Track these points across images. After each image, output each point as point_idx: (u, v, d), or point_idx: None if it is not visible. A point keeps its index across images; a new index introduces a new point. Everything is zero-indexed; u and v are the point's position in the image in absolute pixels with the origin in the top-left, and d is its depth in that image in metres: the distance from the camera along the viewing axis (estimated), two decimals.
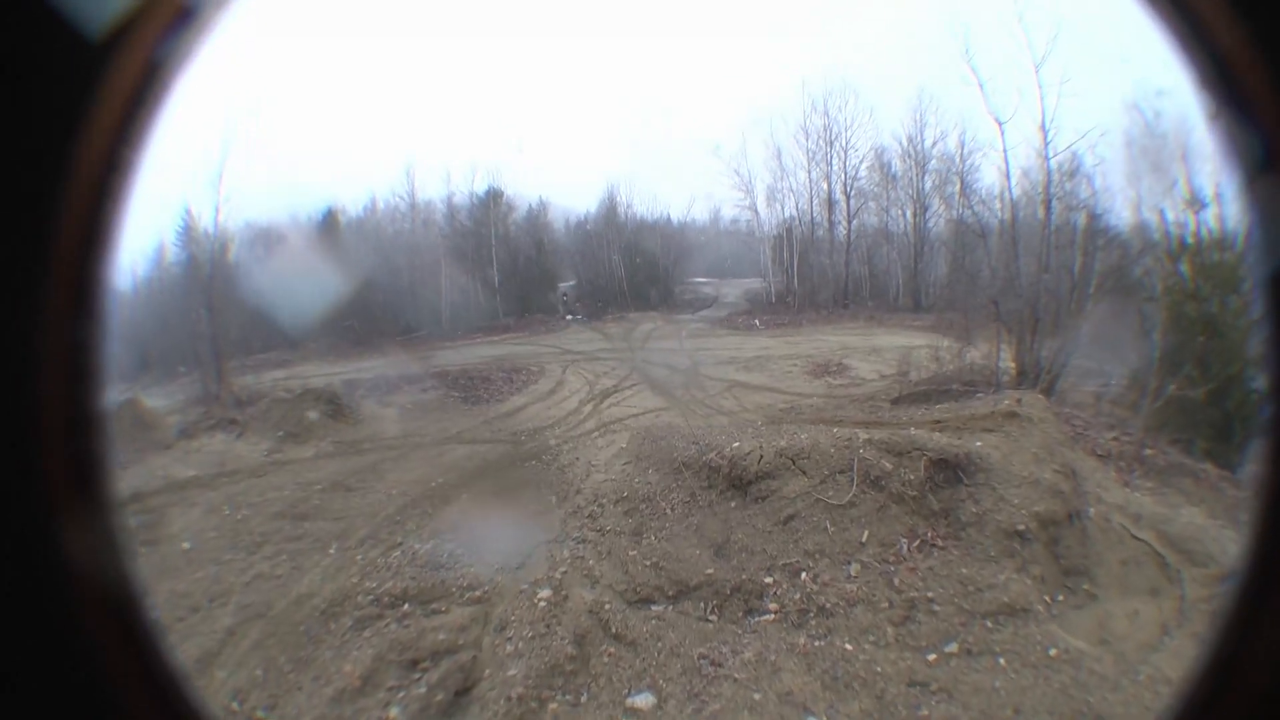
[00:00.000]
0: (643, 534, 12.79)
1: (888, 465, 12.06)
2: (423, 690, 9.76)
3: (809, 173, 41.03)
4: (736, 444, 13.91)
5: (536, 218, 43.02)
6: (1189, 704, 1.31)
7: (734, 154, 49.16)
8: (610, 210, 43.49)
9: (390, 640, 10.75)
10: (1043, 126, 23.13)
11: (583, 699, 9.47)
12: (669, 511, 13.27)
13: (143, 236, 29.07)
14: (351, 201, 40.33)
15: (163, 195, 26.81)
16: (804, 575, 11.05)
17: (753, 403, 22.16)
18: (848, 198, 40.88)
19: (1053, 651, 9.60)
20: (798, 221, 41.46)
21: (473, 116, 60.59)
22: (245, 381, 26.64)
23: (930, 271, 39.80)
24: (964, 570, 10.64)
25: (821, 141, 40.52)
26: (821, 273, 40.70)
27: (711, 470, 13.60)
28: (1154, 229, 19.89)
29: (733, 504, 12.81)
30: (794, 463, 12.62)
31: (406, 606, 11.59)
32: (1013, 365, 20.66)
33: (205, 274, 29.09)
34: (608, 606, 10.92)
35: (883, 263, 40.89)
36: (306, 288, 30.68)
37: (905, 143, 39.54)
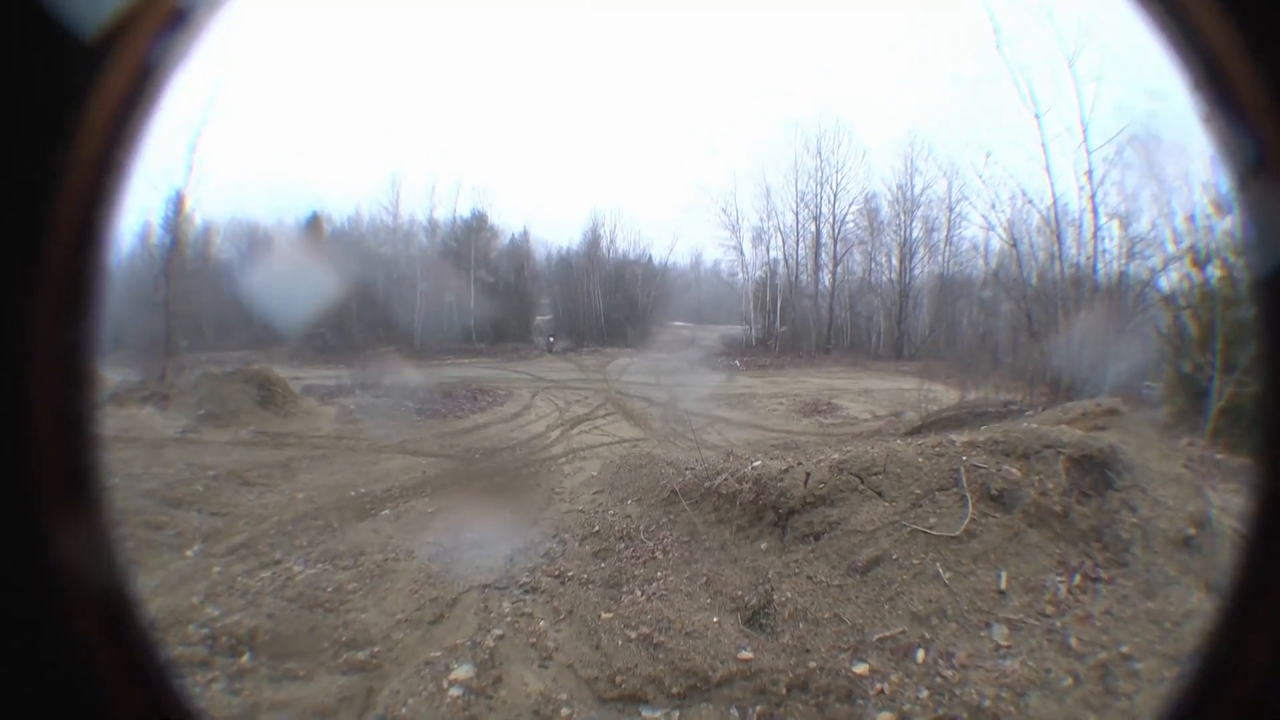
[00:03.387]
0: (622, 586, 7.83)
1: (1014, 472, 7.26)
2: None
3: (797, 214, 37.45)
4: (758, 462, 9.16)
5: (518, 246, 39.22)
6: (1181, 705, 1.18)
7: (724, 193, 46.63)
8: (593, 243, 39.81)
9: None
10: (1081, 120, 20.70)
11: None
12: (659, 555, 8.36)
13: (130, 213, 26.38)
14: (338, 208, 37.87)
15: (152, 176, 25.22)
16: (921, 654, 6.00)
17: (740, 439, 17.67)
18: (835, 241, 37.20)
19: None
20: (783, 264, 37.85)
21: (464, 137, 58.26)
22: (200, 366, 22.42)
23: (914, 319, 36.26)
24: (1150, 604, 6.21)
25: (813, 183, 37.16)
26: (803, 317, 36.93)
27: (722, 499, 8.68)
28: (1181, 236, 18.07)
29: (763, 545, 7.81)
30: (862, 480, 7.69)
31: (247, 659, 6.60)
32: (1044, 387, 17.90)
33: (168, 245, 27.57)
34: (566, 711, 5.82)
35: (865, 310, 37.22)
36: (282, 290, 29.96)
37: (895, 189, 36.34)
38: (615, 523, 9.60)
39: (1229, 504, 8.03)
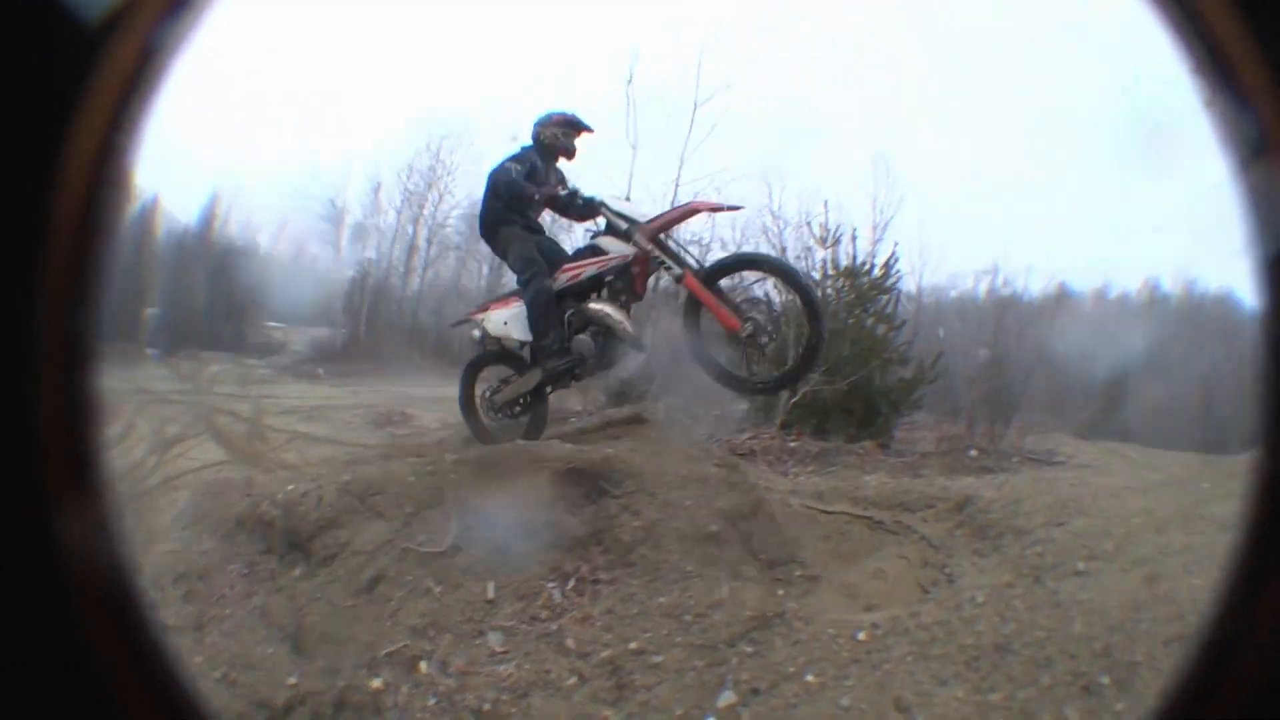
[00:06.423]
0: (205, 628, 6.76)
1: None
2: None
3: (399, 214, 36.52)
4: (292, 486, 8.49)
5: (146, 216, 32.38)
6: (1183, 693, 1.12)
7: (336, 181, 42.63)
8: (208, 222, 34.70)
9: None
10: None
11: None
12: (228, 592, 6.68)
13: None
14: None
15: None
16: (424, 665, 6.33)
17: (316, 455, 17.05)
18: (430, 245, 36.90)
19: (861, 635, 5.56)
20: (376, 265, 36.95)
21: None
22: None
23: None
24: (662, 600, 6.43)
25: (424, 184, 36.17)
26: (390, 322, 37.17)
27: (266, 526, 8.15)
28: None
29: (296, 572, 7.77)
30: (362, 502, 7.85)
31: None
32: (598, 393, 16.34)
33: None
34: None
35: (453, 315, 36.60)
36: None
37: None
38: (197, 559, 7.58)
39: (802, 486, 8.66)
